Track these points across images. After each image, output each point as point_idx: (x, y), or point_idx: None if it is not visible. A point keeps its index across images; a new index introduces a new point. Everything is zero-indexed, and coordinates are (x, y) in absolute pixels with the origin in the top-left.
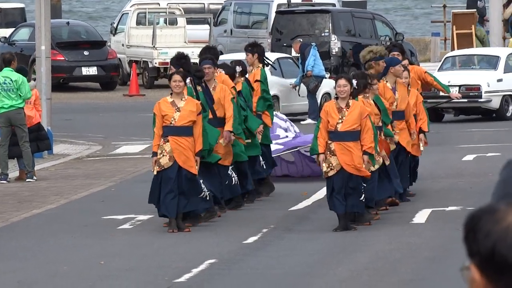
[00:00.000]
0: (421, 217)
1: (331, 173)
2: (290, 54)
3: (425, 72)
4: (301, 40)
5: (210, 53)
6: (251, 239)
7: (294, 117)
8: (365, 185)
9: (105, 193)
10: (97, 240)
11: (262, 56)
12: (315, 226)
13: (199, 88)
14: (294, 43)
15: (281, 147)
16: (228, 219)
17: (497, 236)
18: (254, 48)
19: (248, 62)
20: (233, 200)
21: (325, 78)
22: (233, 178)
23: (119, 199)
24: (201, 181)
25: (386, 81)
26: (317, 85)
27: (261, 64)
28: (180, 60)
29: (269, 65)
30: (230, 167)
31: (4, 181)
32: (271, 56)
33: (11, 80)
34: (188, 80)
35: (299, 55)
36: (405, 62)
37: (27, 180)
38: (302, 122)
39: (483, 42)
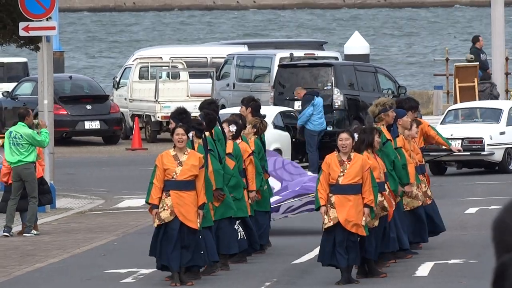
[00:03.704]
0: (424, 270)
1: (328, 225)
2: (293, 108)
3: (428, 125)
4: (305, 90)
5: (210, 108)
6: None
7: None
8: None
9: (107, 247)
10: None
11: (256, 112)
12: (318, 280)
13: (200, 141)
14: (297, 90)
15: (280, 197)
16: (231, 273)
17: None
18: (250, 103)
19: (241, 113)
20: (237, 254)
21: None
22: (240, 233)
23: (121, 253)
24: (200, 236)
25: (401, 133)
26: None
27: (257, 119)
28: (181, 115)
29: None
30: (237, 222)
31: (7, 234)
32: (274, 109)
33: (21, 135)
34: (191, 134)
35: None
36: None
37: (24, 234)
38: None
39: None
